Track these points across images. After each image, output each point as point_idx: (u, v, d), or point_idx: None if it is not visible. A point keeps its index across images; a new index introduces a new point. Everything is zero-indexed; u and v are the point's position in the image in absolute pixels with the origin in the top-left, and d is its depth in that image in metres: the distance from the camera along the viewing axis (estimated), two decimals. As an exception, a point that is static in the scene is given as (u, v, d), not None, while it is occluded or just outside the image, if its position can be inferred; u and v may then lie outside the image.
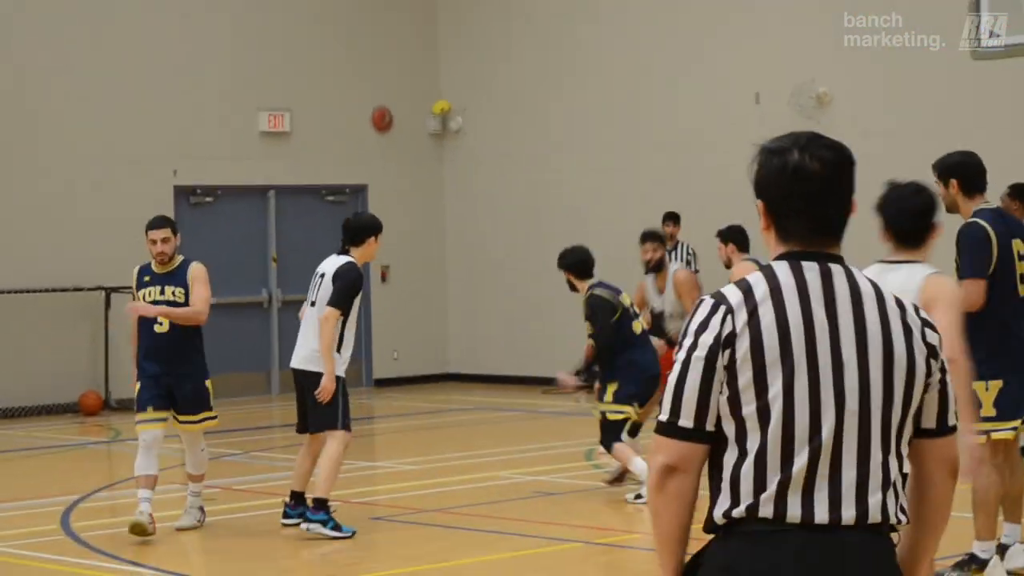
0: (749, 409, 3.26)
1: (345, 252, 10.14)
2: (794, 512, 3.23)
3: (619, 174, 18.91)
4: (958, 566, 8.18)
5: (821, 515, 3.24)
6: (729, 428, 3.28)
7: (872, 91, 16.75)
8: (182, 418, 10.03)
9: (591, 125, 19.20)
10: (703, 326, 3.30)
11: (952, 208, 8.04)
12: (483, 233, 20.52)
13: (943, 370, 3.37)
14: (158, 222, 10.19)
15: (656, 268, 12.84)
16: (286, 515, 10.25)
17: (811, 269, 3.33)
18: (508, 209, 20.16)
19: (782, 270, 3.34)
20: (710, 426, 3.29)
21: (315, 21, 19.96)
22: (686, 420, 3.28)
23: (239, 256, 19.39)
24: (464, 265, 20.79)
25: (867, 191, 14.66)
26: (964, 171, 8.07)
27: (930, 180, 15.46)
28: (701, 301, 3.35)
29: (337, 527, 9.82)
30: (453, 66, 20.61)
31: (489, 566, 9.29)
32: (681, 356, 3.31)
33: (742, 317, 3.28)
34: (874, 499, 3.27)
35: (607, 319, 10.99)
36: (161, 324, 9.99)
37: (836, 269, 3.34)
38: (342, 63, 20.08)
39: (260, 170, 19.54)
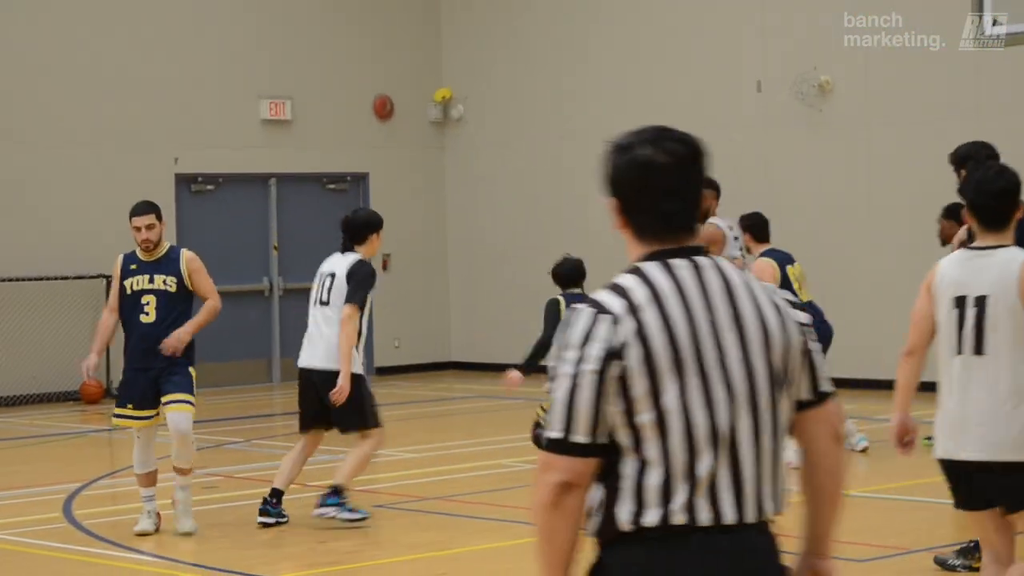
0: (645, 418, 3.20)
1: (349, 250, 10.01)
2: (704, 516, 3.21)
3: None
4: (962, 553, 8.17)
5: (729, 516, 3.22)
6: (624, 437, 3.22)
7: (874, 80, 16.71)
8: (166, 399, 9.60)
9: (592, 113, 19.16)
10: (588, 337, 3.21)
11: None
12: (485, 221, 20.49)
13: (809, 340, 3.36)
14: (142, 208, 9.75)
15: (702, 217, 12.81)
16: (266, 512, 9.91)
17: (682, 267, 3.29)
18: (510, 197, 20.13)
19: (655, 271, 3.28)
20: (603, 439, 3.22)
21: (317, 9, 19.92)
22: (580, 436, 3.20)
23: (240, 244, 19.37)
24: (466, 253, 20.76)
25: (870, 179, 14.69)
26: (976, 160, 8.08)
27: (936, 169, 15.44)
28: (576, 310, 3.26)
29: (353, 509, 9.76)
30: (455, 54, 20.57)
31: (492, 554, 9.28)
32: (567, 370, 3.22)
33: (628, 326, 3.21)
34: (768, 491, 3.27)
35: (550, 323, 10.81)
36: (148, 315, 9.63)
37: (704, 263, 3.31)
38: (344, 51, 20.05)
39: (261, 158, 19.51)
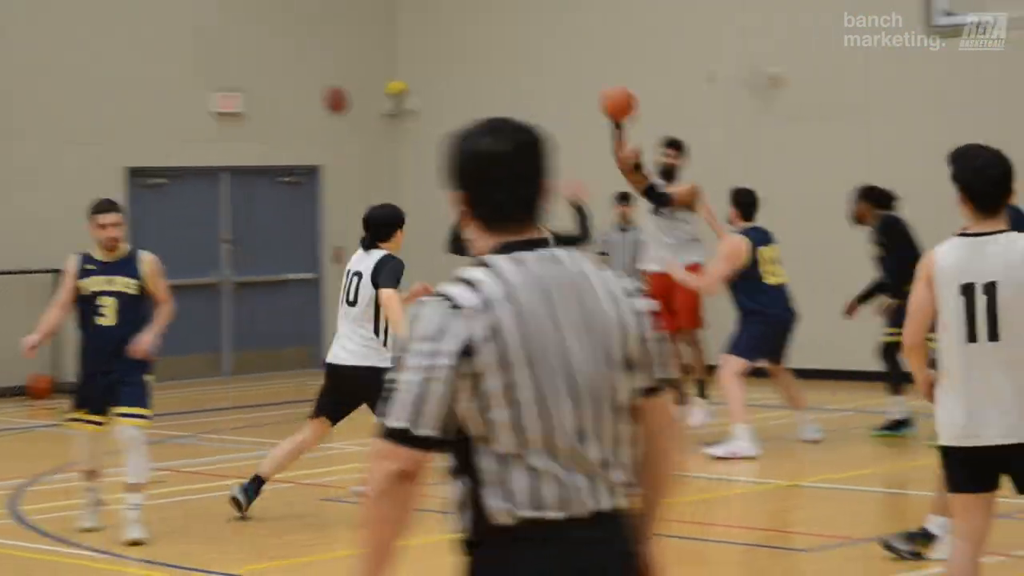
0: (500, 413, 3.21)
1: (372, 247, 9.80)
2: (575, 507, 3.23)
3: (574, 154, 18.83)
4: (910, 538, 8.17)
5: (598, 504, 3.26)
6: (479, 431, 3.23)
7: (826, 72, 16.74)
8: (119, 410, 9.28)
9: (547, 105, 19.12)
10: (441, 331, 3.20)
11: None
12: (441, 214, 20.34)
13: (653, 329, 3.40)
14: (107, 205, 9.49)
15: (668, 175, 12.93)
16: (245, 493, 9.71)
17: (531, 260, 3.29)
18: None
19: (505, 264, 3.28)
20: (447, 434, 3.22)
21: (269, 0, 19.80)
22: (426, 429, 3.20)
23: (192, 238, 19.25)
24: (422, 246, 20.67)
25: (822, 170, 14.54)
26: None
27: (881, 162, 15.39)
28: (426, 303, 3.26)
29: None
30: (410, 46, 20.50)
31: (439, 546, 9.23)
32: (419, 362, 3.20)
33: (482, 321, 3.21)
34: (622, 477, 3.32)
35: None
36: (105, 317, 9.33)
37: (551, 254, 3.31)
38: (296, 43, 19.93)
39: (213, 151, 19.39)
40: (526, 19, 19.39)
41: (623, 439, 3.32)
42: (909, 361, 6.17)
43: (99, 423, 9.43)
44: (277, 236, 19.93)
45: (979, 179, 6.00)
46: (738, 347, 12.06)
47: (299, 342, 19.98)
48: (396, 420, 3.21)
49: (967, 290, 5.90)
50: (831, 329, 15.72)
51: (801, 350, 14.01)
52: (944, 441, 6.05)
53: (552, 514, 3.21)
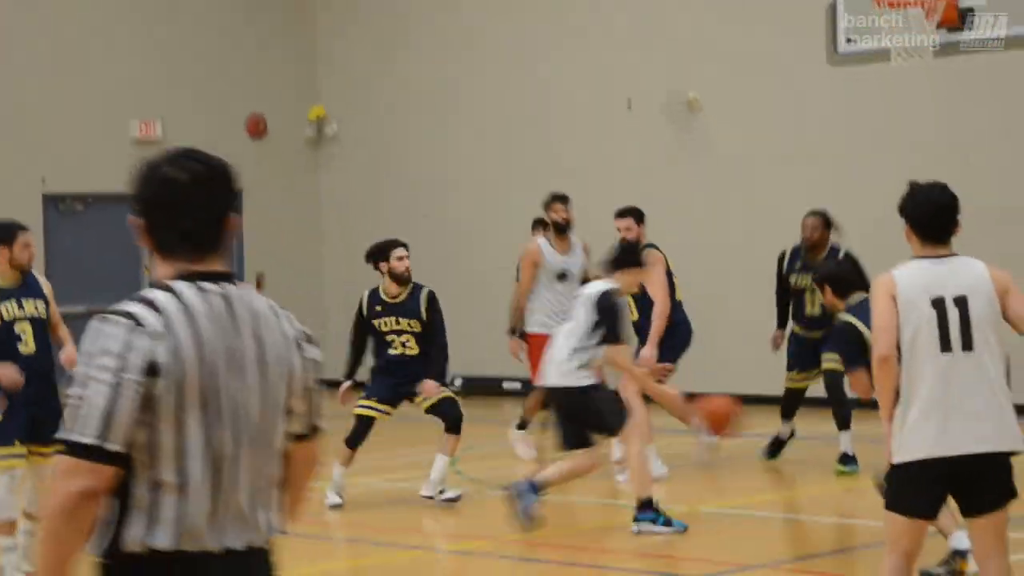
0: (167, 437, 3.25)
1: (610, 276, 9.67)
2: (216, 542, 3.28)
3: (492, 186, 18.88)
4: (945, 563, 8.12)
5: (239, 542, 3.31)
6: (141, 453, 3.25)
7: (742, 97, 16.83)
8: (49, 449, 8.73)
9: (466, 133, 19.14)
10: (126, 346, 3.23)
11: (831, 309, 8.72)
12: (360, 239, 20.36)
13: (317, 378, 3.51)
14: (22, 225, 9.09)
15: (562, 228, 12.93)
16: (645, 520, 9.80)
17: (213, 291, 3.35)
18: (385, 215, 20.05)
19: (188, 291, 3.33)
20: (130, 451, 3.24)
21: (188, 25, 19.73)
22: (115, 444, 3.21)
23: (111, 265, 19.13)
24: (342, 272, 20.64)
25: (734, 193, 14.43)
26: (837, 278, 8.53)
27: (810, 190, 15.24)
28: (106, 319, 3.27)
29: (667, 522, 9.72)
30: (330, 72, 20.48)
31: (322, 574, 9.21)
32: (106, 377, 3.21)
33: (165, 343, 3.25)
34: (270, 517, 3.39)
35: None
36: (27, 344, 8.91)
37: (233, 291, 3.38)
38: (216, 69, 19.88)
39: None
40: (445, 48, 19.39)
41: (272, 481, 3.40)
42: (881, 374, 6.09)
43: (23, 455, 8.90)
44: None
45: (930, 209, 6.15)
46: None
47: (222, 369, 19.90)
48: (84, 435, 3.20)
49: (938, 303, 6.03)
50: (733, 352, 15.79)
51: (703, 373, 14.06)
52: (907, 456, 6.03)
53: (192, 548, 3.25)
